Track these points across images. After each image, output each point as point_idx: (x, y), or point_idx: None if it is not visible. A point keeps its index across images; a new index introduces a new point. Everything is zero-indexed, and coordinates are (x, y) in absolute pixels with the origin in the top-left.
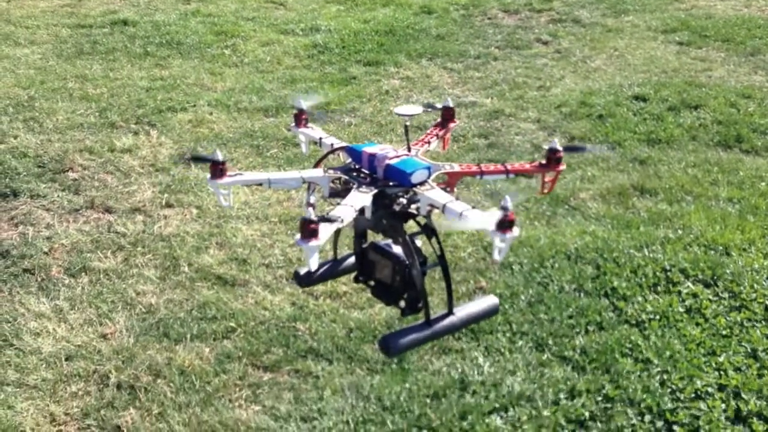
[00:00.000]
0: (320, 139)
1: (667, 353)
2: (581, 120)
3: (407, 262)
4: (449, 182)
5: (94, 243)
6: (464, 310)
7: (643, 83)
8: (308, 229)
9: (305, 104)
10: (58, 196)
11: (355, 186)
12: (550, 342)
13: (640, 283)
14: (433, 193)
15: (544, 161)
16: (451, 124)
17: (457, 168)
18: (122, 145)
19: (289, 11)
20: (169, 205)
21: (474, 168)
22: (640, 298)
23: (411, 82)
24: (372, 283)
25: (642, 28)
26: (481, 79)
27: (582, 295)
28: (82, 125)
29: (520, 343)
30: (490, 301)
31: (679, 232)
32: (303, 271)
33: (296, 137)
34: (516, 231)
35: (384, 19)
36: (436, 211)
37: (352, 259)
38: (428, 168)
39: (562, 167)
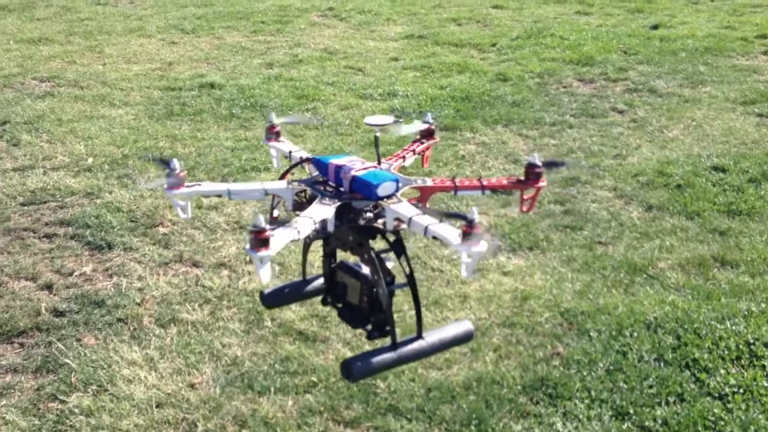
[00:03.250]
0: (290, 152)
1: (752, 428)
2: (658, 189)
3: (374, 281)
4: (421, 197)
5: (182, 295)
6: (435, 335)
7: (722, 154)
8: (258, 238)
9: (277, 119)
10: (149, 249)
11: (318, 198)
12: (631, 411)
13: (723, 356)
14: (400, 206)
15: (522, 177)
16: (431, 141)
17: (429, 183)
18: (209, 203)
19: (368, 77)
20: (252, 262)
21: (448, 183)
22: (722, 371)
23: (487, 147)
24: (339, 305)
25: (720, 99)
26: (556, 147)
27: (662, 365)
28: None
29: (600, 410)
30: (463, 326)
31: (763, 305)
32: (268, 291)
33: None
34: (483, 246)
35: (460, 86)
36: (403, 226)
37: (320, 281)
38: (396, 180)
39: (542, 184)
